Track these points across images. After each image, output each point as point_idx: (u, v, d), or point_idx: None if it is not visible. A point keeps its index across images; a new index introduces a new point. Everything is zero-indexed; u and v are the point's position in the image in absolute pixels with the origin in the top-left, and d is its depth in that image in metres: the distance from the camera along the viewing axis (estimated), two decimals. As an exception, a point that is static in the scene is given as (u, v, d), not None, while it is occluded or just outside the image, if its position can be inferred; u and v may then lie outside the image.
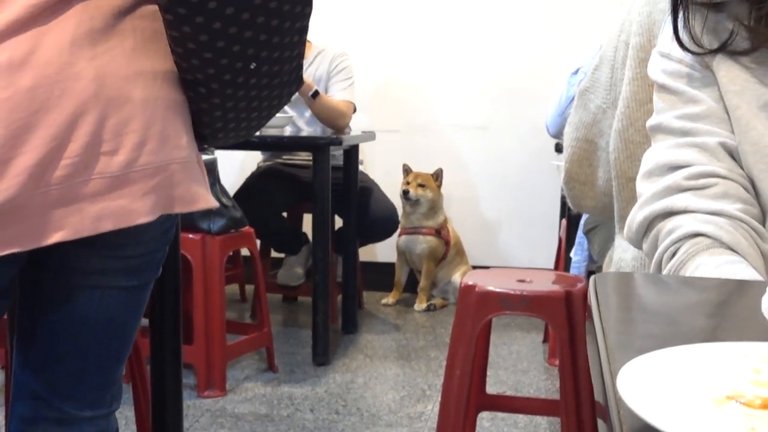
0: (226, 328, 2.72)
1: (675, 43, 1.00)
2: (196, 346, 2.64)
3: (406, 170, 3.81)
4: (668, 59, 1.02)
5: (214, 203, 1.11)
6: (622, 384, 0.42)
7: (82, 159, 0.95)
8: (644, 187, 0.99)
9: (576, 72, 2.69)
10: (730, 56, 0.96)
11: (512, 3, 3.93)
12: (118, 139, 0.97)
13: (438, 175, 3.79)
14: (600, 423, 0.48)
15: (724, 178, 0.93)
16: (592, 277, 0.73)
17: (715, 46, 0.96)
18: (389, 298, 3.87)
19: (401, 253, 3.86)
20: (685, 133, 0.97)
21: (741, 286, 0.76)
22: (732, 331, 0.62)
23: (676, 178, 0.94)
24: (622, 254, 1.35)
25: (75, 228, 0.96)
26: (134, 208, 0.99)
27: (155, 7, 1.03)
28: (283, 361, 3.01)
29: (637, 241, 0.99)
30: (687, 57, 0.99)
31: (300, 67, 1.14)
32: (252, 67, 1.05)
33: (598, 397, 0.50)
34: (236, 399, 2.65)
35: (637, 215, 0.97)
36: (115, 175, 0.97)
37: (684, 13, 0.98)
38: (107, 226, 0.97)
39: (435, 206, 3.79)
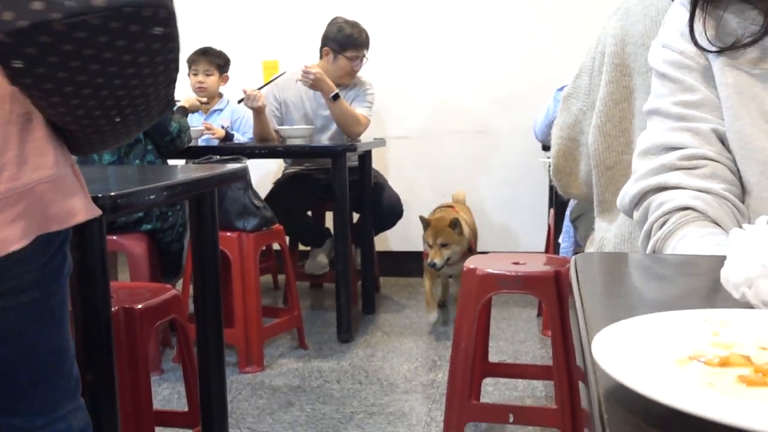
0: (262, 313, 2.73)
1: (676, 36, 0.99)
2: (237, 329, 2.65)
3: (425, 223, 3.06)
4: (670, 50, 1.00)
5: (94, 212, 0.94)
6: (596, 349, 0.42)
7: None
8: (640, 164, 0.98)
9: (561, 89, 2.66)
10: (728, 56, 0.94)
11: (511, 10, 3.91)
12: None
13: (456, 224, 2.99)
14: (581, 385, 0.48)
15: (713, 160, 0.92)
16: (573, 257, 0.73)
17: (718, 46, 0.95)
18: (432, 314, 3.16)
19: (434, 275, 3.21)
20: (681, 118, 0.96)
21: (706, 260, 0.75)
22: (697, 300, 0.62)
23: (671, 158, 0.93)
24: (604, 234, 1.35)
25: None
26: (4, 237, 0.85)
27: None
28: (312, 340, 3.02)
29: (629, 211, 0.98)
30: (687, 49, 0.98)
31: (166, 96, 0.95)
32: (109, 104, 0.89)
33: (578, 361, 0.49)
34: (273, 373, 2.66)
35: (632, 188, 0.96)
36: None
37: (702, 13, 0.96)
38: None
39: (462, 249, 3.04)
